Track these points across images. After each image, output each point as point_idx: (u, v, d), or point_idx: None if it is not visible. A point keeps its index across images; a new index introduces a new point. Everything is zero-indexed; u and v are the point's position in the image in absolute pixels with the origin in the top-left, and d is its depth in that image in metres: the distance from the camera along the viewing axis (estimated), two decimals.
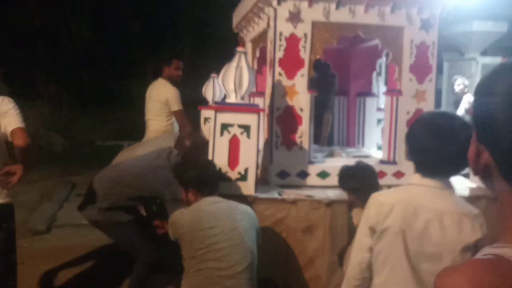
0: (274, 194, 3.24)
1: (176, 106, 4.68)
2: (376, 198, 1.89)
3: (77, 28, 12.63)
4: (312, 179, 3.59)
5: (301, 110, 3.57)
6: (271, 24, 3.53)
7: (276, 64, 3.52)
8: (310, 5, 3.48)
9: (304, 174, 3.59)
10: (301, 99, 3.56)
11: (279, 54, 3.51)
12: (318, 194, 3.32)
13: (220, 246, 2.49)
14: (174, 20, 11.95)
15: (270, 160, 3.56)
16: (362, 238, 1.91)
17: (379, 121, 5.29)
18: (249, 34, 4.47)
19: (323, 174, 3.60)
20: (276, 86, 3.53)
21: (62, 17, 12.22)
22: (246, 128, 3.08)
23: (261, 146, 4.00)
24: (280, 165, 3.55)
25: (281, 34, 3.50)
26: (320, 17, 3.51)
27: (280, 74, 3.53)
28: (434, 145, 1.69)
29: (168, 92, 4.73)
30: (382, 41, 3.64)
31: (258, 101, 4.41)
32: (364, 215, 1.94)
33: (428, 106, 3.72)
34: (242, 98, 3.15)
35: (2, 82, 2.75)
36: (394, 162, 3.74)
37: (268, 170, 3.58)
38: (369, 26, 3.59)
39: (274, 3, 3.46)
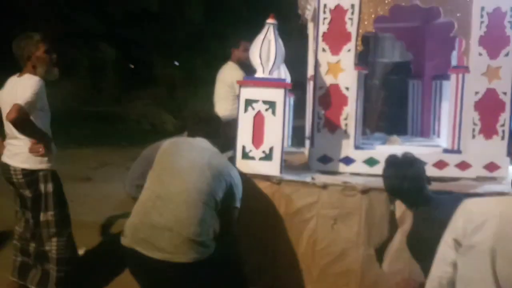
0: (304, 177, 2.98)
1: None
2: (467, 206, 1.59)
3: (190, 12, 13.12)
4: (358, 166, 3.24)
5: (347, 89, 3.24)
6: None
7: (320, 38, 3.24)
8: None
9: (348, 160, 3.25)
10: (347, 77, 3.23)
11: (323, 28, 3.23)
12: (358, 181, 2.98)
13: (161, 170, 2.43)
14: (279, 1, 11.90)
15: (312, 144, 3.30)
16: (444, 250, 1.64)
17: None
18: (309, 13, 4.21)
19: (371, 161, 3.23)
20: (319, 62, 3.25)
21: (176, 2, 12.80)
22: (271, 105, 2.87)
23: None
24: (322, 149, 3.26)
25: (325, 5, 3.21)
26: None
27: (323, 50, 3.24)
28: None
29: (234, 75, 4.64)
30: (445, 10, 3.15)
31: None
32: (451, 223, 1.65)
33: (503, 86, 3.13)
34: (270, 72, 2.94)
35: (52, 66, 3.00)
36: (458, 151, 3.22)
37: (309, 154, 3.32)
38: None
39: None
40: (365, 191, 2.85)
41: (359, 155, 3.24)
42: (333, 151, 3.26)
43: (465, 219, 1.55)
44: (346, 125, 3.25)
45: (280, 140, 2.89)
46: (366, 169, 3.22)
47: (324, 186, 2.88)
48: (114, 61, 13.04)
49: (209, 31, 12.51)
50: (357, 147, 3.27)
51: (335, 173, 3.22)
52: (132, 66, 14.19)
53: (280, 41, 2.94)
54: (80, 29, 11.86)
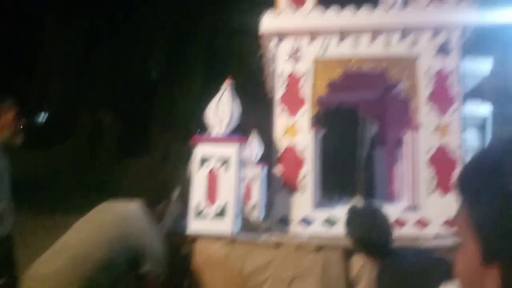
0: (257, 236, 2.91)
1: None
2: None
3: (189, 82, 13.32)
4: (318, 227, 3.19)
5: (304, 149, 3.28)
6: (274, 63, 3.42)
7: (277, 103, 3.35)
8: (311, 41, 3.33)
9: (308, 221, 3.20)
10: (303, 138, 3.29)
11: (280, 93, 3.35)
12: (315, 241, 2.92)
13: None
14: None
15: (272, 205, 3.27)
16: None
17: None
18: None
19: (330, 221, 3.18)
20: (277, 125, 3.33)
21: (176, 71, 13.11)
22: (225, 161, 2.89)
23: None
24: (282, 211, 3.23)
25: (282, 72, 3.37)
26: (321, 52, 3.32)
27: (280, 114, 3.33)
28: None
29: None
30: (394, 72, 3.28)
31: None
32: None
33: (454, 141, 3.17)
34: (225, 131, 3.00)
35: (17, 133, 3.12)
36: (416, 208, 3.19)
37: (270, 216, 3.28)
38: (377, 58, 3.29)
39: (274, 42, 3.38)
40: (319, 249, 2.78)
41: (318, 215, 3.20)
42: (292, 212, 3.22)
43: None
44: (304, 185, 3.25)
45: (234, 196, 2.87)
46: (325, 229, 3.17)
47: (277, 245, 2.82)
48: (111, 128, 13.21)
49: (207, 100, 12.90)
50: (316, 206, 3.24)
51: (295, 234, 3.17)
52: (128, 134, 14.41)
53: (236, 101, 3.03)
54: (81, 94, 12.20)
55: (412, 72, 3.25)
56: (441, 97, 3.20)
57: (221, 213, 2.86)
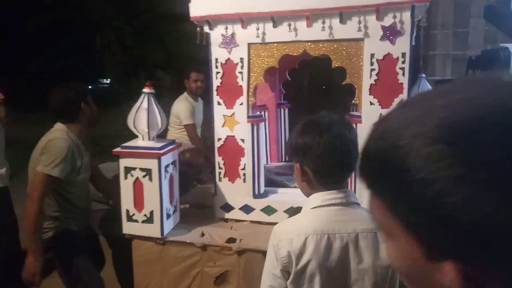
0: (187, 236, 2.85)
1: (186, 120, 4.47)
2: (283, 231, 1.45)
3: None
4: (257, 215, 3.05)
5: (242, 141, 3.02)
6: (209, 51, 3.00)
7: (214, 92, 3.02)
8: (243, 26, 2.84)
9: (248, 209, 3.07)
10: (242, 129, 3.00)
11: (217, 82, 2.99)
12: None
13: None
14: None
15: (215, 192, 3.14)
16: (273, 282, 1.45)
17: None
18: None
19: (268, 210, 3.03)
20: (216, 115, 3.04)
21: None
22: (148, 172, 2.74)
23: None
24: (224, 198, 3.11)
25: (217, 60, 2.97)
26: (256, 38, 2.84)
27: (219, 103, 3.02)
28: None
29: (177, 106, 4.59)
30: (335, 58, 2.77)
31: None
32: (272, 254, 1.50)
33: None
34: (150, 139, 2.79)
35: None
36: None
37: (214, 202, 3.17)
38: (316, 42, 2.78)
39: (207, 28, 2.93)
40: (241, 252, 2.70)
41: (258, 204, 3.05)
42: (234, 200, 3.09)
43: (286, 245, 1.41)
44: (244, 175, 3.05)
45: (159, 204, 2.76)
46: (264, 217, 3.03)
47: (203, 248, 2.76)
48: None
49: None
50: (256, 196, 3.07)
51: (237, 220, 3.08)
52: None
53: (156, 109, 2.76)
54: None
55: (356, 57, 2.73)
56: (386, 87, 2.70)
57: (148, 220, 2.79)
